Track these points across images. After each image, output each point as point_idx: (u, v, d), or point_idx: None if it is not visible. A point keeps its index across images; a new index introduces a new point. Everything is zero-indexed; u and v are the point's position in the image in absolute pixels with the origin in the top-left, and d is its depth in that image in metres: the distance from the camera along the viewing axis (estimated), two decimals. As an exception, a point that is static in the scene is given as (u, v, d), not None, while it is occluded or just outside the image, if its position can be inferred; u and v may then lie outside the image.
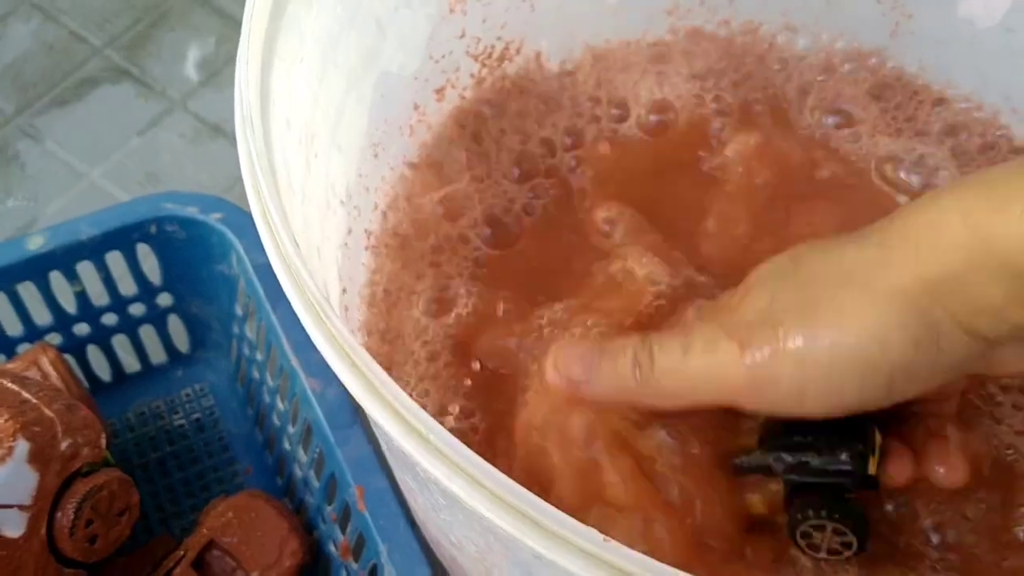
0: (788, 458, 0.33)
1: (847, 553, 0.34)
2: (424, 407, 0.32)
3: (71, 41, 0.73)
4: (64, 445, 0.41)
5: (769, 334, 0.30)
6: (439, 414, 0.41)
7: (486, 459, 0.24)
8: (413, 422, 0.25)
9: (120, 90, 0.70)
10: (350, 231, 0.41)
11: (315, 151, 0.37)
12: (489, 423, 0.40)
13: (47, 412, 0.41)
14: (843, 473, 0.32)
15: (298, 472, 0.50)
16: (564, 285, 0.44)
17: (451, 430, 0.28)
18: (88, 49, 0.72)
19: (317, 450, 0.47)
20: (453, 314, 0.43)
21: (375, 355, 0.41)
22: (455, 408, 0.41)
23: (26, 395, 0.43)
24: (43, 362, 0.49)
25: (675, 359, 0.32)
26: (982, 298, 0.27)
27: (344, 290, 0.40)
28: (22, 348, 0.52)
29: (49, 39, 0.73)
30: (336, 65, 0.39)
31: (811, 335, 0.29)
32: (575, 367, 0.33)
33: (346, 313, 0.39)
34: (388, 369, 0.40)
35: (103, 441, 0.42)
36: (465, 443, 0.24)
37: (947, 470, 0.33)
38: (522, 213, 0.47)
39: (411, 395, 0.39)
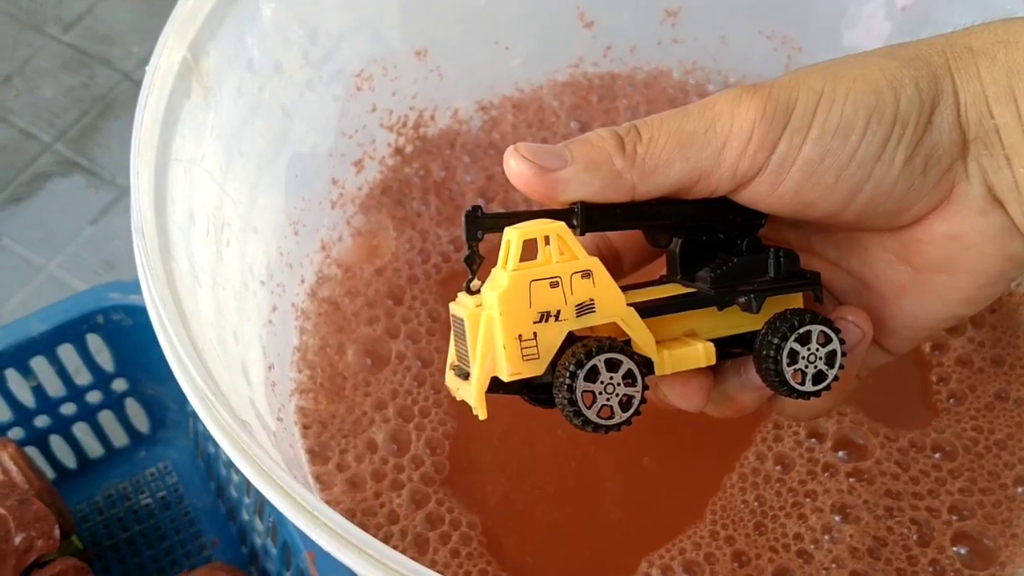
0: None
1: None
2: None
3: (22, 139, 0.75)
4: (18, 540, 0.43)
5: (785, 75, 0.30)
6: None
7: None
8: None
9: (71, 182, 0.73)
10: (275, 308, 0.43)
11: (227, 239, 0.39)
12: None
13: None
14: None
15: (258, 541, 0.51)
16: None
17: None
18: (39, 145, 0.75)
19: (271, 519, 0.48)
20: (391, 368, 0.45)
21: (314, 412, 0.43)
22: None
23: (-21, 495, 0.45)
24: (3, 458, 0.50)
25: (670, 120, 0.30)
26: (990, 85, 0.29)
27: (271, 366, 0.42)
28: (-15, 445, 0.54)
29: (1, 139, 0.75)
30: (242, 154, 0.41)
31: (832, 65, 0.30)
32: (546, 156, 0.29)
33: (273, 388, 0.41)
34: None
35: (56, 532, 0.44)
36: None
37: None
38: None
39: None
